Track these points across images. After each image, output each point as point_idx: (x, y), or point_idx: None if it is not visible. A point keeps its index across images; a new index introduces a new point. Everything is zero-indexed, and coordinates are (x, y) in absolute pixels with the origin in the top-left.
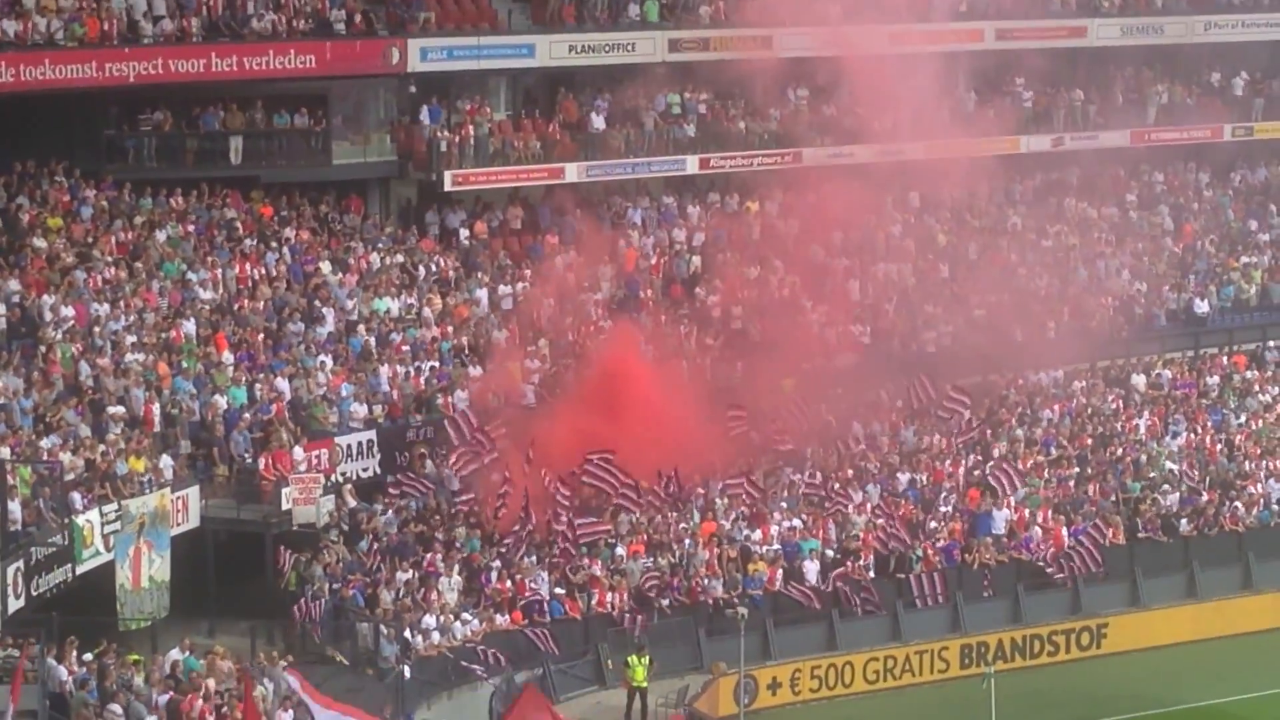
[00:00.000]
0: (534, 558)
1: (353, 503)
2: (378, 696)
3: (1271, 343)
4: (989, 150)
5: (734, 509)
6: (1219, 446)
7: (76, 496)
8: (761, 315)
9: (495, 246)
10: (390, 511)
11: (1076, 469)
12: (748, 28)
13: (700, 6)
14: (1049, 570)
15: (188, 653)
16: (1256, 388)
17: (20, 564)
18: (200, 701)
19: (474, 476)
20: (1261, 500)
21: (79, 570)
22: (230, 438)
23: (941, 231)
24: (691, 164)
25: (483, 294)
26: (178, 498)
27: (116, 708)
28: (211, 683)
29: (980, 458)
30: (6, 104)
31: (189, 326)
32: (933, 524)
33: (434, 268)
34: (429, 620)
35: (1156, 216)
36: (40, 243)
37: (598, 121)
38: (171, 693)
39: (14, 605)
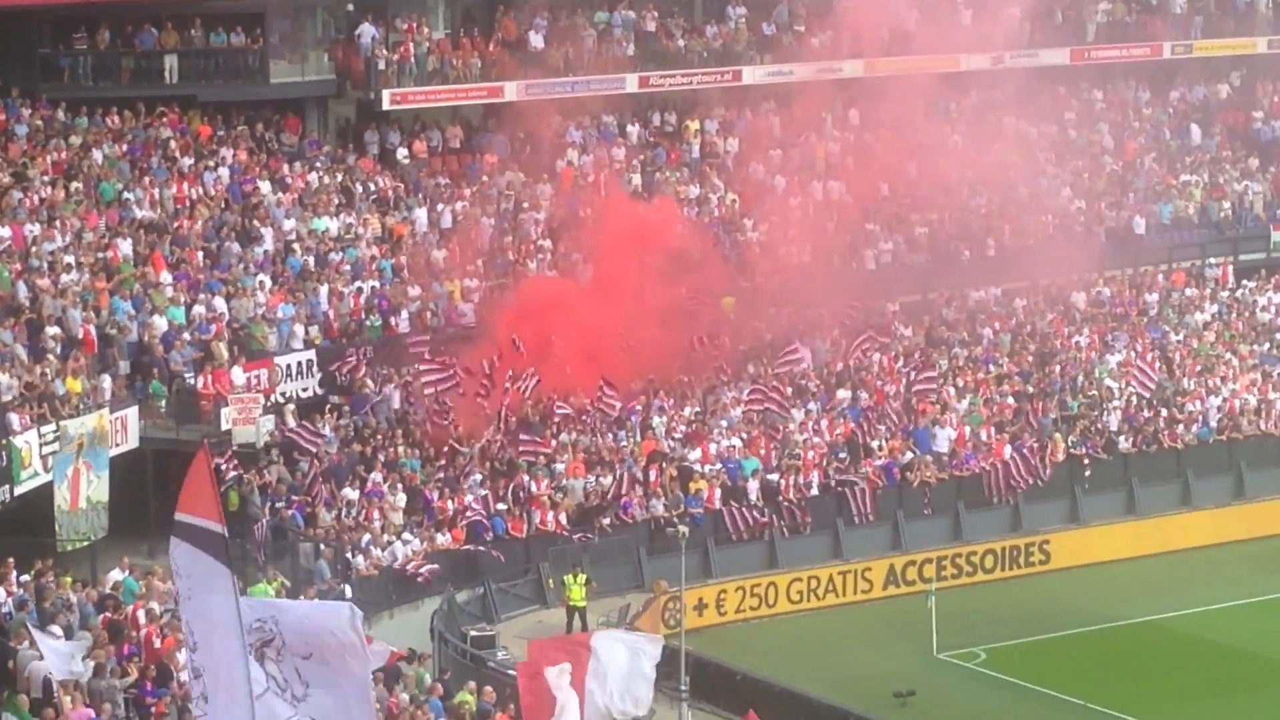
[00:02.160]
0: (476, 476)
1: (293, 422)
2: None
3: (1211, 260)
4: (929, 69)
5: (674, 428)
6: (1158, 364)
7: (14, 417)
8: (702, 232)
9: (434, 165)
10: (329, 430)
11: (1017, 386)
12: None
13: None
14: (991, 477)
15: (127, 573)
16: (1195, 305)
17: None
18: (143, 619)
19: (419, 395)
20: (1200, 417)
21: (17, 491)
22: (169, 357)
23: (881, 149)
24: (631, 82)
25: (421, 213)
26: (116, 418)
27: (56, 629)
28: (155, 605)
29: (920, 376)
30: None
31: (126, 247)
32: (873, 442)
33: (372, 187)
34: (368, 539)
35: (1096, 135)
36: None
37: (536, 40)
38: (110, 613)
39: None
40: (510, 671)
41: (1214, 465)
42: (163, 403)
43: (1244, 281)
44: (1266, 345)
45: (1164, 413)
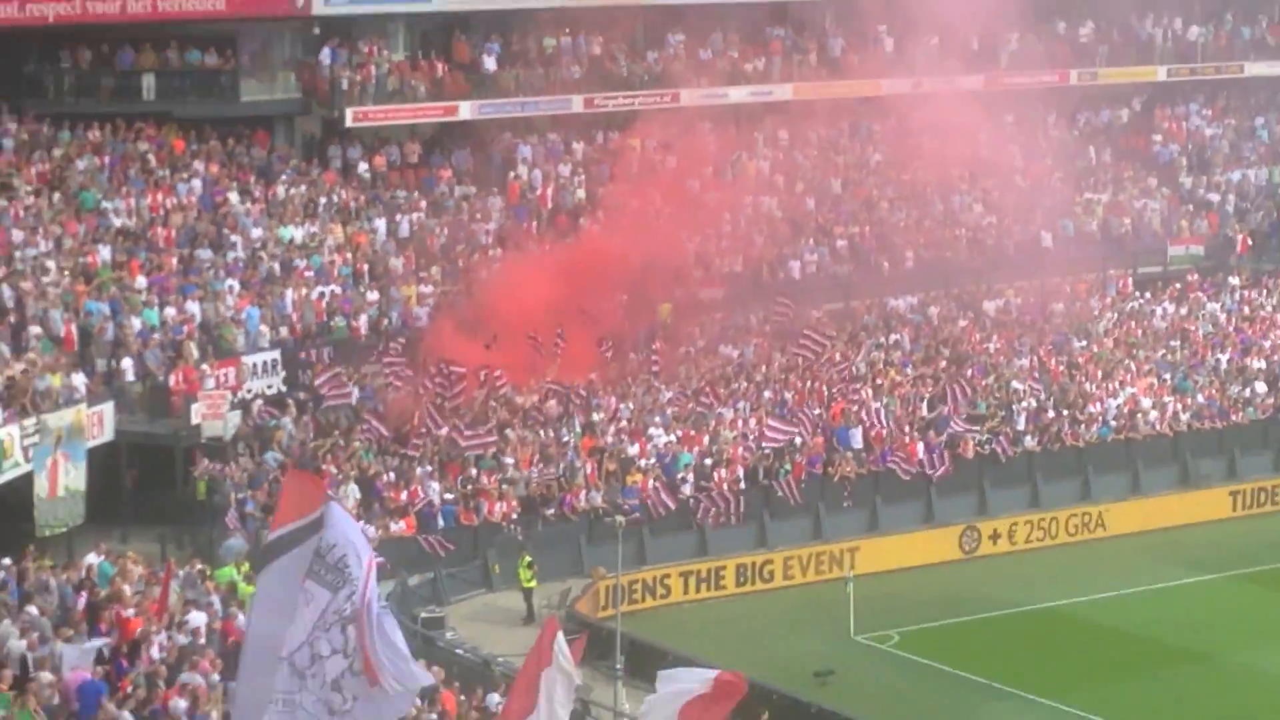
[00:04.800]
0: (427, 467)
1: (259, 420)
2: None
3: (1111, 271)
4: (854, 92)
5: (613, 425)
6: (1062, 368)
7: None
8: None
9: (392, 179)
10: (291, 424)
11: (931, 388)
12: None
13: None
14: (904, 476)
15: (102, 557)
16: (1097, 314)
17: None
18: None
19: (385, 392)
20: (1101, 418)
21: (0, 478)
22: (143, 356)
23: (808, 166)
24: (577, 103)
25: (381, 223)
26: (94, 413)
27: (33, 609)
28: (127, 588)
29: (840, 378)
30: None
31: (105, 252)
32: (797, 439)
33: (335, 199)
34: None
35: (1007, 155)
36: None
37: (489, 63)
38: (86, 594)
39: None
40: (458, 650)
41: (1112, 463)
42: None
43: (1142, 293)
44: (1161, 352)
45: (1066, 413)
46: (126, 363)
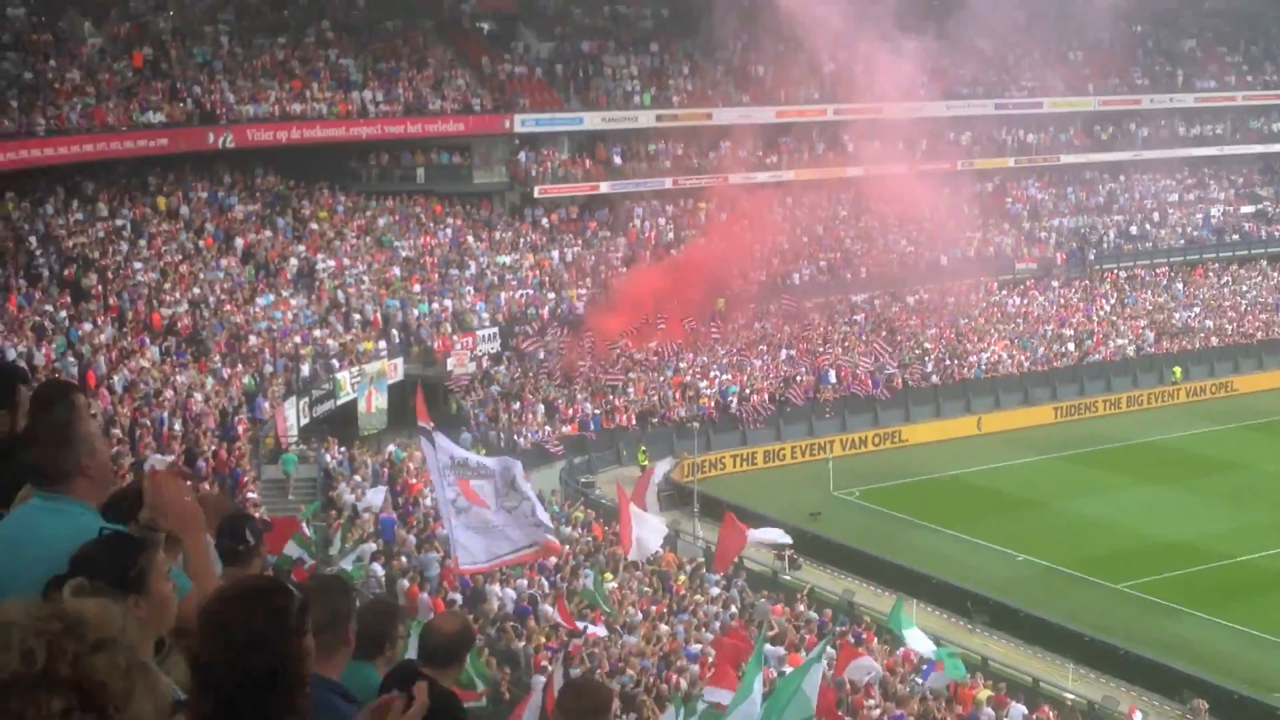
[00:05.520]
0: (583, 394)
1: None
2: None
3: (982, 278)
4: (830, 176)
5: (691, 369)
6: (953, 335)
7: (335, 363)
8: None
9: (562, 228)
10: (504, 370)
11: (877, 347)
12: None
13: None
14: (861, 397)
15: (395, 447)
16: (974, 304)
17: (305, 400)
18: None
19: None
20: (976, 364)
21: (338, 403)
22: (420, 331)
23: (803, 218)
24: (667, 183)
25: (555, 253)
26: (391, 363)
27: (358, 478)
28: (411, 465)
29: (823, 342)
30: None
31: (396, 270)
32: (796, 378)
33: (529, 239)
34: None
35: (920, 210)
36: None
37: (617, 159)
38: (388, 469)
39: (303, 422)
40: (603, 500)
41: (983, 391)
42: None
43: (1000, 291)
44: (1012, 325)
45: (955, 362)
46: (408, 335)
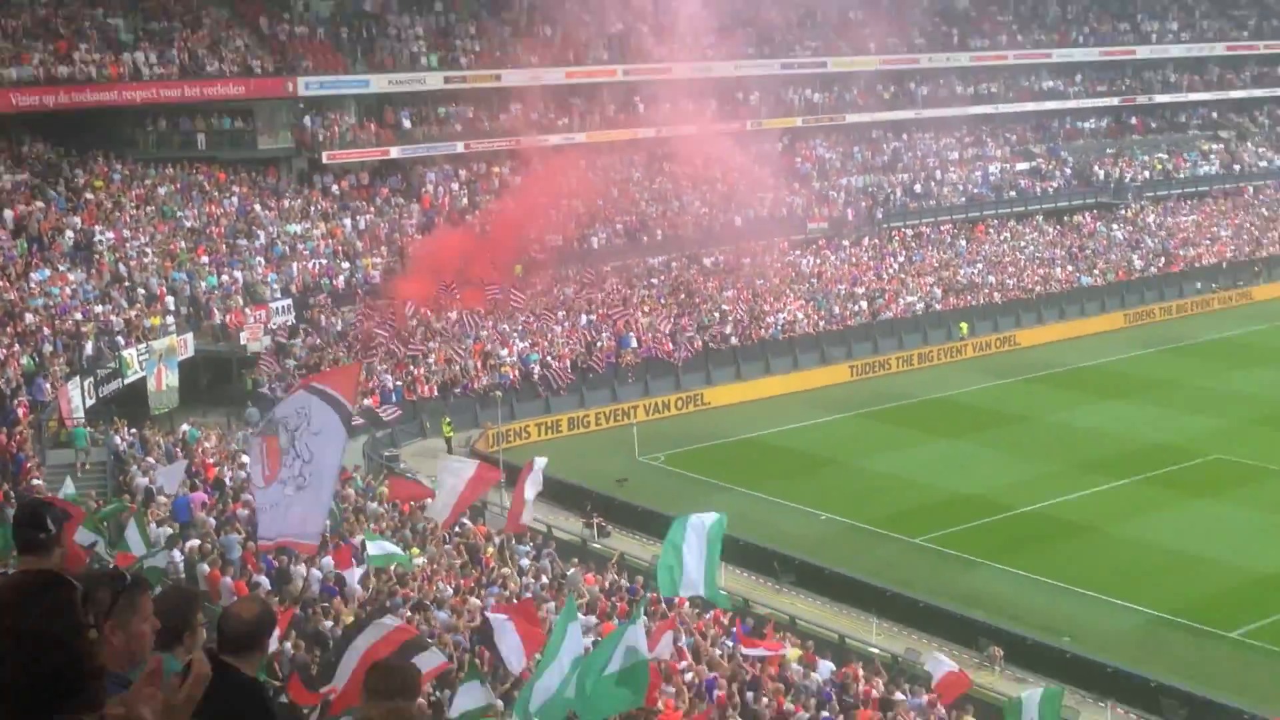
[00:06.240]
0: (382, 366)
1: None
2: None
3: (776, 239)
4: (623, 137)
5: (492, 338)
6: (750, 296)
7: (120, 340)
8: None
9: (352, 194)
10: (300, 344)
11: (674, 310)
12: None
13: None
14: (669, 361)
15: (189, 426)
16: (769, 264)
17: (90, 380)
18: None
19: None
20: (773, 325)
21: (126, 382)
22: (209, 304)
23: (599, 181)
24: (460, 147)
25: (348, 221)
26: (180, 339)
27: (150, 459)
28: (206, 444)
29: (622, 306)
30: None
31: (181, 243)
32: (597, 343)
33: (319, 207)
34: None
35: (713, 173)
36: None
37: (406, 123)
38: (181, 448)
39: (89, 403)
40: (408, 475)
41: (781, 350)
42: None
43: (794, 251)
44: (807, 285)
45: (753, 323)
46: (198, 309)
